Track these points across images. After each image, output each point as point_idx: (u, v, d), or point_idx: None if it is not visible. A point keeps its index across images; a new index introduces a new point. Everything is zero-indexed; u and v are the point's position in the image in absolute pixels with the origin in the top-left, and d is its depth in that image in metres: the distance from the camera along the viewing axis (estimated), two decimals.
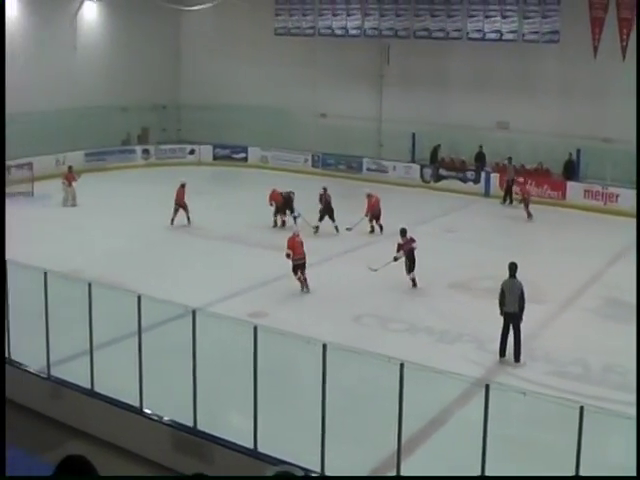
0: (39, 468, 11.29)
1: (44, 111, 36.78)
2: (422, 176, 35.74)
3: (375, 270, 21.53)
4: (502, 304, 16.62)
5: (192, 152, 41.05)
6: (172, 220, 27.81)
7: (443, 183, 34.62)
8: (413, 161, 36.79)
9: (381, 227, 26.97)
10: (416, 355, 14.58)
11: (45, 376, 14.67)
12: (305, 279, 21.02)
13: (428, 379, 12.75)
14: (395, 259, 21.44)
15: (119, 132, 40.48)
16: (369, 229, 27.20)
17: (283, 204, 28.04)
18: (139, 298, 13.44)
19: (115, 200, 31.69)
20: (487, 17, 34.02)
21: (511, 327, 16.57)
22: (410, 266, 21.31)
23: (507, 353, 16.69)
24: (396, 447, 11.00)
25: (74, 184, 31.35)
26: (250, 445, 12.08)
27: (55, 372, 14.70)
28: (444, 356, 16.56)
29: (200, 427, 12.73)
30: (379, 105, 38.32)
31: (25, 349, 15.29)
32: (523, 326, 16.68)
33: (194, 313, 12.98)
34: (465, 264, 23.62)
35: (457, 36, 34.93)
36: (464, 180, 34.93)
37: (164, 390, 13.91)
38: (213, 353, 14.65)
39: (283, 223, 27.80)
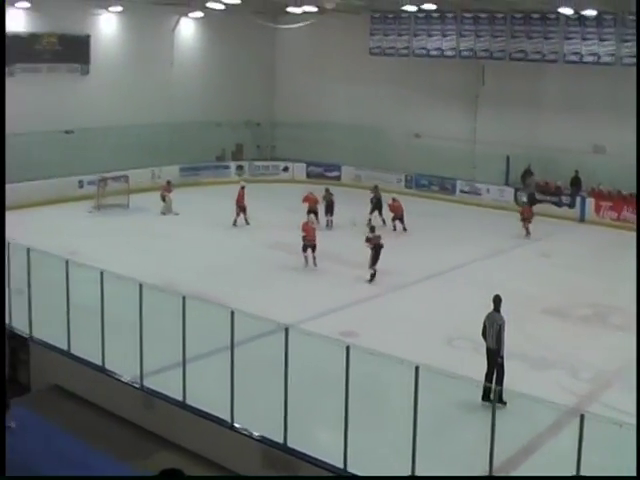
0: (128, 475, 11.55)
1: (141, 125, 37.72)
2: (516, 199, 35.28)
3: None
4: (484, 338, 15.97)
5: (285, 169, 41.44)
6: (234, 221, 30.07)
7: (538, 207, 34.12)
8: (507, 184, 36.39)
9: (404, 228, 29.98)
10: (508, 381, 14.37)
11: (138, 386, 14.91)
12: (314, 257, 24.85)
13: (520, 406, 12.54)
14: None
15: (214, 148, 41.13)
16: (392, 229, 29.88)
17: (327, 206, 30.86)
18: (232, 313, 13.56)
19: (210, 215, 32.15)
20: (584, 39, 33.48)
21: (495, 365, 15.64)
22: (373, 260, 23.48)
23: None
24: (487, 470, 10.85)
25: (171, 195, 32.16)
26: (340, 464, 12.05)
27: (148, 383, 14.94)
28: (537, 383, 16.21)
29: (290, 444, 12.75)
30: (473, 126, 38.01)
31: (119, 359, 15.59)
32: (624, 356, 16.09)
33: (287, 330, 13.05)
34: (560, 290, 23.20)
35: (553, 58, 34.45)
36: (559, 204, 34.39)
37: (255, 405, 13.99)
38: (304, 370, 14.66)
39: (328, 223, 30.46)
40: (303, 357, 14.37)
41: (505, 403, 13.93)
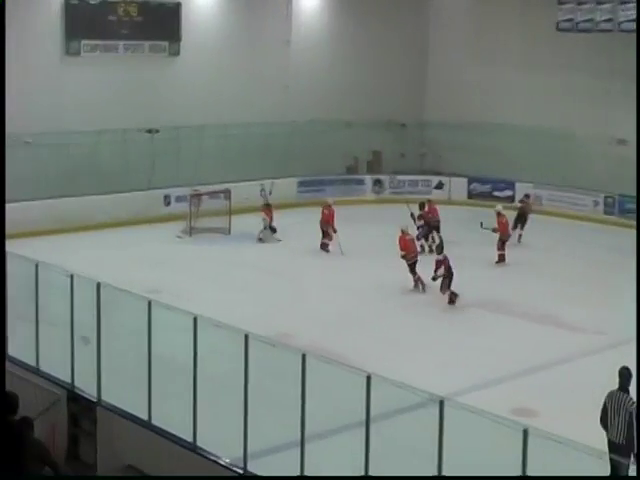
0: None
1: (247, 123, 38.39)
2: None
3: None
4: (603, 427, 15.33)
5: (439, 186, 41.43)
6: (321, 245, 31.68)
7: None
8: None
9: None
10: None
11: (240, 471, 15.04)
12: (419, 278, 27.15)
13: None
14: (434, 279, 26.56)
15: (343, 156, 41.52)
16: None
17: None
18: (368, 378, 13.56)
19: (332, 245, 32.48)
20: None
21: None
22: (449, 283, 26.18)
23: None
24: None
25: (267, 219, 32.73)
26: None
27: (253, 467, 15.05)
28: None
29: None
30: None
31: (216, 434, 15.76)
32: None
33: (441, 404, 12.99)
34: None
35: None
36: None
37: None
38: (463, 456, 14.54)
39: (430, 249, 30.92)
40: (463, 440, 14.28)
41: None
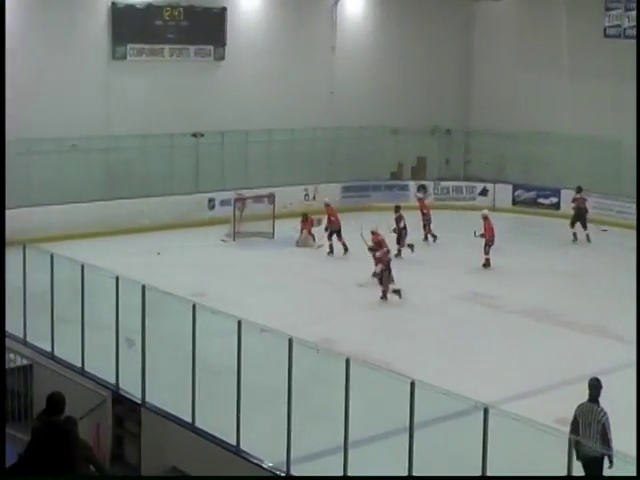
0: None
1: (291, 129, 38.66)
2: None
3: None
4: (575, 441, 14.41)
5: (484, 193, 41.30)
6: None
7: None
8: None
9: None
10: None
11: (284, 474, 15.09)
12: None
13: None
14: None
15: (388, 162, 41.66)
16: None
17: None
18: (412, 385, 13.57)
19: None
20: None
21: None
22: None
23: None
24: None
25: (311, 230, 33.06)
26: None
27: (297, 471, 15.08)
28: None
29: None
30: None
31: (260, 438, 15.82)
32: None
33: (486, 411, 12.97)
34: None
35: None
36: None
37: None
38: (506, 464, 14.52)
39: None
40: (507, 448, 14.26)
41: None
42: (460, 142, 43.77)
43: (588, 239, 34.28)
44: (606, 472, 13.69)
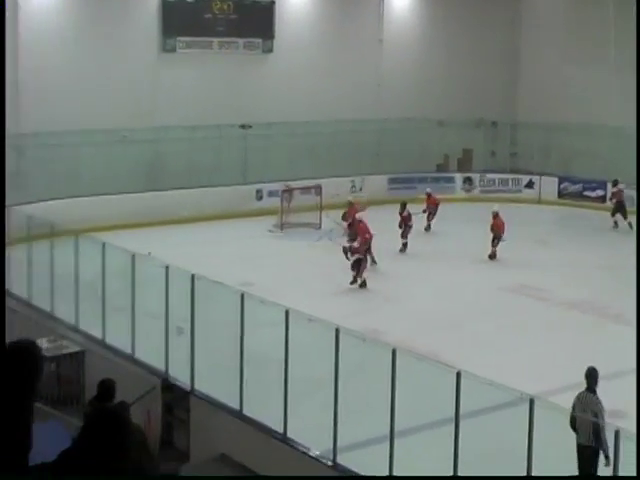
0: None
1: (338, 121, 38.57)
2: None
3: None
4: (573, 430, 14.82)
5: (530, 185, 41.13)
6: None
7: None
8: None
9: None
10: None
11: (330, 463, 15.18)
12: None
13: None
14: None
15: (434, 154, 41.60)
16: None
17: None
18: (458, 375, 13.62)
19: (426, 243, 32.59)
20: None
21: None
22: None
23: None
24: None
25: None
26: None
27: (343, 460, 15.18)
28: None
29: None
30: None
31: (307, 426, 15.93)
32: None
33: (532, 402, 13.01)
34: None
35: None
36: None
37: None
38: (551, 454, 14.52)
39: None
40: (553, 441, 14.29)
41: None
42: (506, 134, 43.60)
43: (630, 226, 34.30)
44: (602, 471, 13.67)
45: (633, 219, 33.98)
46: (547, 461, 13.51)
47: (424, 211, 34.35)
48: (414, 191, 39.34)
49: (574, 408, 14.94)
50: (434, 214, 34.57)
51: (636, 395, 13.92)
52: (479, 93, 42.32)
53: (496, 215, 31.38)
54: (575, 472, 14.50)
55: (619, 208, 35.41)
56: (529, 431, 12.89)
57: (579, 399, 14.99)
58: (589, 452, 14.49)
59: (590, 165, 39.99)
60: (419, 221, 33.03)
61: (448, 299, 26.27)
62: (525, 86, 44.19)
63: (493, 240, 30.91)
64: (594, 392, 15.01)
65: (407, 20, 42.27)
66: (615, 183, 36.20)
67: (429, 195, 35.17)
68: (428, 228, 34.53)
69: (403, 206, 32.01)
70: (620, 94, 40.02)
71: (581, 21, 41.36)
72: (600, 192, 39.73)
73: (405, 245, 31.40)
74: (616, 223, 35.16)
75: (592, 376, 15.14)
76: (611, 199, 36.43)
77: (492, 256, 30.80)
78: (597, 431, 14.42)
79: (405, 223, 31.62)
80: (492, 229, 30.96)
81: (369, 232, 27.89)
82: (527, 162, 42.59)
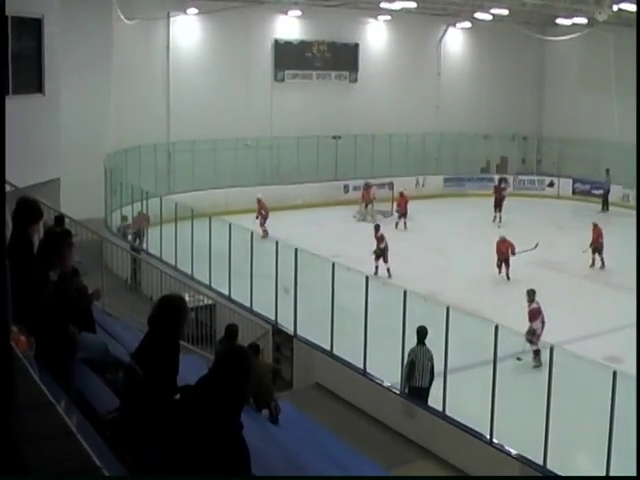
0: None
1: (407, 133, 38.59)
2: None
3: None
4: (408, 378, 14.67)
5: (551, 184, 40.58)
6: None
7: None
8: None
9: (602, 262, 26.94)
10: None
11: (399, 393, 15.15)
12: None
13: None
14: None
15: (479, 159, 41.14)
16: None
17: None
18: (496, 328, 13.49)
19: (474, 226, 32.32)
20: None
21: None
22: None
23: None
24: None
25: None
26: None
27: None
28: None
29: (549, 467, 12.50)
30: None
31: (381, 364, 15.92)
32: None
33: (551, 350, 12.85)
34: None
35: None
36: None
37: (514, 423, 13.86)
38: (567, 392, 14.34)
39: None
40: (566, 378, 14.09)
41: None
42: (534, 146, 43.00)
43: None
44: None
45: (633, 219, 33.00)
46: (562, 396, 13.28)
47: (397, 211, 32.35)
48: (463, 188, 39.29)
49: (412, 360, 14.59)
50: (405, 214, 31.99)
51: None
52: (514, 114, 41.85)
53: (595, 226, 27.70)
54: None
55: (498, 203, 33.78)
56: (549, 372, 12.72)
57: (416, 352, 14.62)
58: (424, 393, 14.62)
59: (596, 171, 39.29)
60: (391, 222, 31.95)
61: (492, 271, 25.89)
62: (548, 109, 43.52)
63: (594, 251, 27.08)
64: (424, 344, 14.67)
65: (459, 57, 41.90)
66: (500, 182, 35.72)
67: (401, 194, 32.76)
68: (402, 226, 31.87)
69: (377, 228, 26.95)
70: (620, 116, 39.26)
71: (590, 59, 40.55)
72: (603, 191, 39.06)
73: (388, 270, 25.15)
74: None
75: (421, 333, 14.70)
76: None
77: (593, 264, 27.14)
78: (432, 371, 14.47)
79: (378, 245, 26.12)
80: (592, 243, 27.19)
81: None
82: (549, 167, 41.96)
